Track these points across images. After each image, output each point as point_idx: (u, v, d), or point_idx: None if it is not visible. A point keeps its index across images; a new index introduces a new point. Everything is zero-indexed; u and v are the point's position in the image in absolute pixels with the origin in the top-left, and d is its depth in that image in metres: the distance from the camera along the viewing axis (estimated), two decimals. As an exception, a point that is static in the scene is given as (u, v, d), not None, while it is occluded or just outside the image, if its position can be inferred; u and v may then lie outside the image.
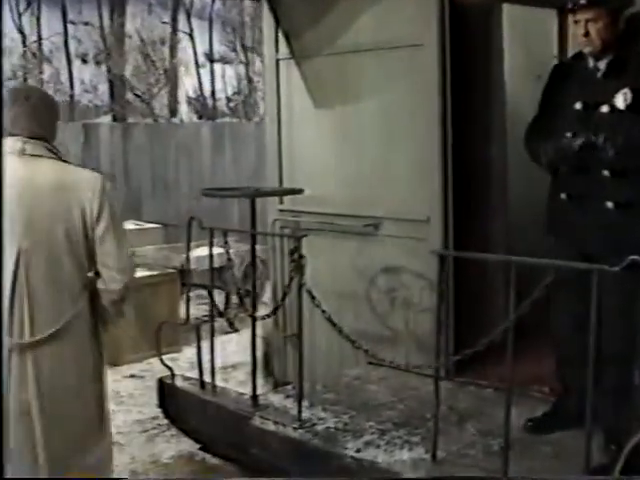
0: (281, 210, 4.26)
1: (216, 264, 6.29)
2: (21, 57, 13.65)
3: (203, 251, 4.66)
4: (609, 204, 2.66)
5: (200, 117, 15.50)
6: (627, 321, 2.63)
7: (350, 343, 2.95)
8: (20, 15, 14.72)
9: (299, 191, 3.42)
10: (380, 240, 3.80)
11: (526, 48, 4.05)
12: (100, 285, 2.34)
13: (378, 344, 3.90)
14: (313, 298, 2.87)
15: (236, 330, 5.81)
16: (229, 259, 3.45)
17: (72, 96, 14.42)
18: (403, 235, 3.68)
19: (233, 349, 5.34)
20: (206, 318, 5.46)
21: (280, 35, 4.17)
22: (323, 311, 2.93)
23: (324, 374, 3.94)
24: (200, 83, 16.51)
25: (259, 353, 4.83)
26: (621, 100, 2.62)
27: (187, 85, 16.19)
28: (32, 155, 2.27)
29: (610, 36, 2.68)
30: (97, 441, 2.42)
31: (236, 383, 4.47)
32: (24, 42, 14.13)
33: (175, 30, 15.73)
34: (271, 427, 3.03)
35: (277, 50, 4.20)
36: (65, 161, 2.37)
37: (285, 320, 4.29)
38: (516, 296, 2.40)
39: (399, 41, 3.61)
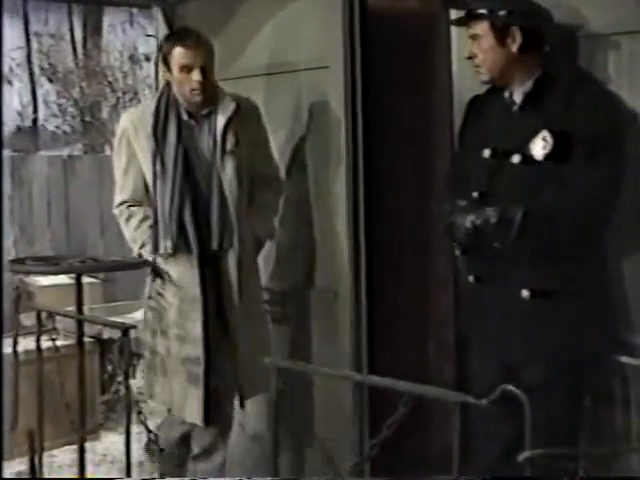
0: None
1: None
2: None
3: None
4: (524, 292, 2.17)
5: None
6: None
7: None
8: (-25, 27, 14.60)
9: (141, 265, 2.97)
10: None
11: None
12: None
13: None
14: (140, 413, 2.40)
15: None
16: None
17: (35, 121, 14.11)
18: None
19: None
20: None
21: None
22: (150, 432, 2.46)
23: None
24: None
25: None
26: (539, 147, 2.12)
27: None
28: None
29: (501, 61, 2.21)
30: None
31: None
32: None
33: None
34: None
35: (172, 73, 3.80)
36: None
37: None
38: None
39: (303, 63, 3.20)
